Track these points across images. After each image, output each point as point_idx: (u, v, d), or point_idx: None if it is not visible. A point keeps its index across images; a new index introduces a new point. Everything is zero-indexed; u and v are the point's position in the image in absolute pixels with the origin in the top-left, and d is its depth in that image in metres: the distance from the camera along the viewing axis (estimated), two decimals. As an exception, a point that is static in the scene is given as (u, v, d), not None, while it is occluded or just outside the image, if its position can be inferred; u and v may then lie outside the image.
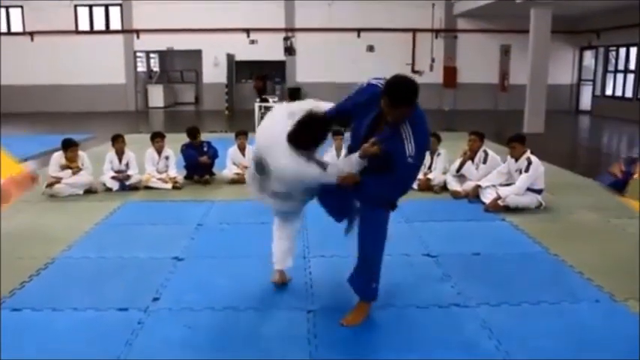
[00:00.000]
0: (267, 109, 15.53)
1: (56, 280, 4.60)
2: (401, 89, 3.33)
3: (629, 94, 18.54)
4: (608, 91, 19.90)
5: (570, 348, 3.47)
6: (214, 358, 3.32)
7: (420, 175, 7.82)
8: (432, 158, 7.90)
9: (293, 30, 21.13)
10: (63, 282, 4.56)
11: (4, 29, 21.03)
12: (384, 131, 3.49)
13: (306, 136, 3.63)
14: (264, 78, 21.00)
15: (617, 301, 4.15)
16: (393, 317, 3.86)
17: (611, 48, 19.71)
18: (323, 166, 3.71)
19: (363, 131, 3.63)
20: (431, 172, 7.83)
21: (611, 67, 19.91)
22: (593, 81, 20.72)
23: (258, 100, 16.34)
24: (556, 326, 3.76)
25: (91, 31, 21.20)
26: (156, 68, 24.58)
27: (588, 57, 21.53)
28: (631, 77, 18.54)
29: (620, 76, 19.27)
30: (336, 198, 3.91)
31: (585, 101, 21.32)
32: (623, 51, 19.03)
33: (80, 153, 7.83)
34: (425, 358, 3.38)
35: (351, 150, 3.79)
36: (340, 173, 3.62)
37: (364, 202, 3.74)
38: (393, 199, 3.70)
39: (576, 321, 3.85)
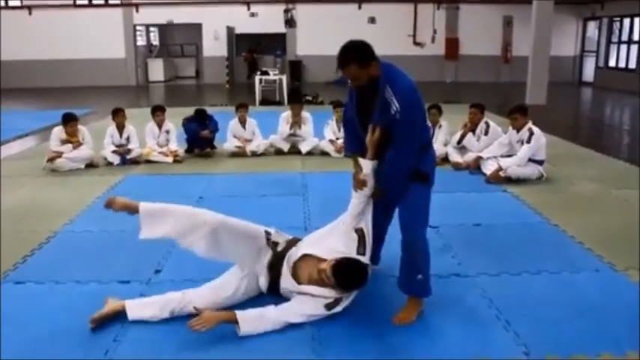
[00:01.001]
0: (268, 82, 15.51)
1: (58, 254, 4.62)
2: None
3: (632, 65, 18.40)
4: (612, 63, 19.75)
5: (570, 317, 3.48)
6: (215, 330, 3.33)
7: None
8: (433, 130, 7.87)
9: (293, 2, 20.91)
10: (65, 255, 4.58)
11: (2, 3, 20.82)
12: (376, 107, 3.36)
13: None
14: (253, 52, 20.97)
15: (618, 271, 4.16)
16: (394, 288, 3.87)
17: (615, 19, 19.50)
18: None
19: (358, 123, 3.53)
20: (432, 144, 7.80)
21: (614, 38, 19.72)
22: (597, 52, 20.55)
23: (248, 73, 16.32)
24: (556, 295, 3.78)
25: (90, 5, 21.01)
26: (156, 42, 24.41)
27: (592, 28, 21.31)
28: (635, 48, 18.38)
29: (623, 48, 19.10)
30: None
31: (588, 73, 21.18)
32: (627, 22, 18.84)
33: (80, 127, 7.81)
34: (425, 328, 3.40)
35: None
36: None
37: (388, 184, 3.50)
38: (405, 165, 3.40)
39: (576, 290, 3.86)
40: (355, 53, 3.29)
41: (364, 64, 3.26)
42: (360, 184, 3.58)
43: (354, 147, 3.68)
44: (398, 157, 3.38)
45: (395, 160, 3.39)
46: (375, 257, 4.05)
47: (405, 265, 3.60)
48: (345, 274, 3.36)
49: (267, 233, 3.72)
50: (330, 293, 3.42)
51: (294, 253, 3.63)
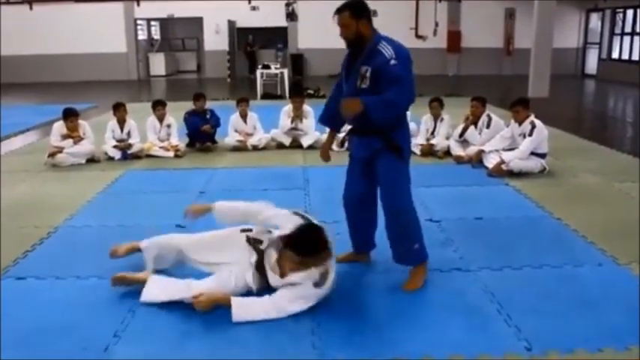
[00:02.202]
0: (269, 76, 15.47)
1: (59, 249, 4.61)
2: None
3: (635, 57, 18.30)
4: (615, 55, 19.65)
5: (572, 311, 3.47)
6: (216, 325, 3.33)
7: (423, 141, 7.80)
8: (435, 123, 7.85)
9: (295, -5, 20.87)
10: (66, 251, 4.57)
11: (3, -2, 20.80)
12: (363, 57, 3.56)
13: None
14: (251, 45, 21.28)
15: (620, 265, 4.14)
16: (395, 282, 3.86)
17: (617, 10, 19.40)
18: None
19: (344, 78, 3.78)
20: (434, 137, 7.79)
21: (617, 30, 19.62)
22: (599, 44, 20.44)
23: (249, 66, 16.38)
24: (558, 290, 3.76)
25: (91, -1, 20.98)
26: (157, 36, 24.36)
27: (594, 19, 21.21)
28: (638, 40, 18.28)
29: (626, 39, 18.99)
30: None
31: (591, 65, 21.08)
32: (630, 13, 18.72)
33: (81, 122, 7.80)
34: (426, 322, 3.38)
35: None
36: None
37: (375, 112, 3.49)
38: (398, 112, 3.57)
39: (578, 284, 3.84)
40: (352, 3, 3.56)
41: (356, 16, 3.51)
42: (326, 157, 4.15)
43: (328, 122, 4.11)
44: (396, 96, 3.46)
45: (395, 98, 3.45)
46: (370, 242, 4.12)
47: (398, 240, 3.76)
48: (298, 241, 3.40)
49: (247, 231, 3.73)
50: (312, 273, 3.42)
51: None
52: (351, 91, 3.62)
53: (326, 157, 4.19)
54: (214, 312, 3.43)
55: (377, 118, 3.47)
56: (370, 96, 3.48)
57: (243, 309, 3.35)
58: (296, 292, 3.44)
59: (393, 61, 3.43)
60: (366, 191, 3.89)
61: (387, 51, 3.46)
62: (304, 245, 3.40)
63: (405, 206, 3.71)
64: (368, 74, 3.52)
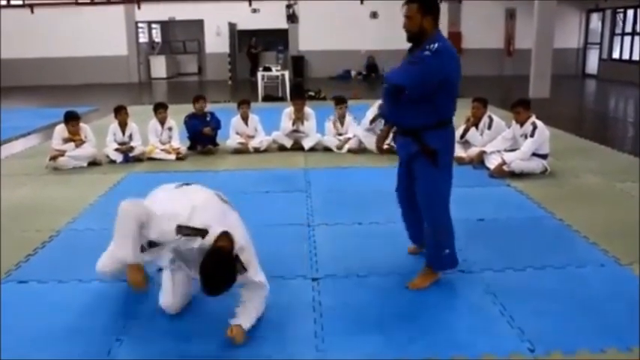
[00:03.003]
0: (270, 78, 15.48)
1: (61, 253, 4.62)
2: None
3: (636, 57, 18.30)
4: (615, 55, 19.64)
5: (575, 312, 3.47)
6: (219, 327, 3.33)
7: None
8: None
9: (295, -3, 20.90)
10: (68, 254, 4.58)
11: (4, 2, 20.82)
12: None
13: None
14: (253, 47, 21.29)
15: (623, 265, 4.14)
16: (397, 283, 3.86)
17: (618, 10, 19.39)
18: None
19: None
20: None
21: (618, 30, 19.61)
22: (600, 44, 20.44)
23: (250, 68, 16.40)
24: (561, 291, 3.76)
25: (92, 2, 20.99)
26: (158, 39, 24.39)
27: (595, 20, 21.21)
28: (638, 40, 18.27)
29: (627, 39, 18.98)
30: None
31: (592, 65, 21.07)
32: (630, 13, 18.72)
33: (83, 125, 7.80)
34: (429, 324, 3.38)
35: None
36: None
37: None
38: (402, 85, 3.56)
39: (581, 285, 3.84)
40: None
41: (423, 11, 3.53)
42: (382, 148, 4.26)
43: (393, 117, 3.88)
44: (406, 72, 3.56)
45: (406, 71, 3.57)
46: (418, 237, 4.12)
47: (432, 243, 3.81)
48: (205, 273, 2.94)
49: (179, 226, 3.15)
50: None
51: None
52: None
53: (381, 148, 4.30)
54: (215, 314, 3.43)
55: (397, 81, 3.59)
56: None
57: (248, 319, 3.26)
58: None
59: (427, 52, 3.46)
60: (411, 188, 3.86)
61: (430, 46, 3.47)
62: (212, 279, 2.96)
63: (437, 214, 3.73)
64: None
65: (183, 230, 3.09)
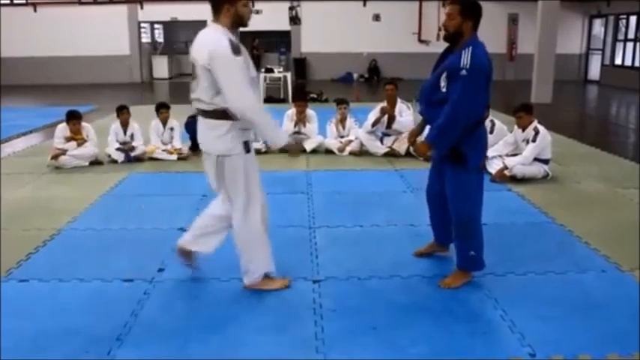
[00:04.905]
0: (272, 79, 15.48)
1: (62, 252, 4.61)
2: None
3: (638, 63, 18.28)
4: (618, 61, 19.63)
5: (576, 318, 3.46)
6: (220, 328, 3.33)
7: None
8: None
9: (298, -1, 20.91)
10: (69, 253, 4.57)
11: (7, 0, 20.84)
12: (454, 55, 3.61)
13: None
14: (255, 48, 21.46)
15: (624, 272, 4.13)
16: (398, 287, 3.86)
17: (621, 16, 19.39)
18: None
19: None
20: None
21: (620, 36, 19.60)
22: (602, 50, 20.43)
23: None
24: (562, 296, 3.75)
25: (95, 2, 21.00)
26: (160, 39, 24.40)
27: (597, 25, 21.21)
28: (641, 46, 18.27)
29: (630, 45, 18.97)
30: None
31: (594, 71, 21.06)
32: (633, 19, 18.71)
33: (85, 125, 7.80)
34: (430, 327, 3.38)
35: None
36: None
37: (437, 134, 3.64)
38: (456, 129, 3.54)
39: (582, 291, 3.83)
40: (467, 1, 3.58)
41: (464, 14, 3.54)
42: (413, 143, 4.27)
43: (426, 112, 3.89)
44: (452, 113, 3.51)
45: (450, 115, 3.52)
46: (450, 236, 4.08)
47: (458, 244, 3.88)
48: None
49: None
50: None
51: None
52: (433, 82, 3.70)
53: (412, 143, 4.36)
54: (217, 315, 3.43)
55: (444, 145, 3.64)
56: (431, 128, 3.70)
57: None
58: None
59: (463, 72, 3.45)
60: (442, 189, 3.88)
61: (465, 58, 3.45)
62: None
63: (465, 217, 3.76)
64: (444, 75, 3.60)
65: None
